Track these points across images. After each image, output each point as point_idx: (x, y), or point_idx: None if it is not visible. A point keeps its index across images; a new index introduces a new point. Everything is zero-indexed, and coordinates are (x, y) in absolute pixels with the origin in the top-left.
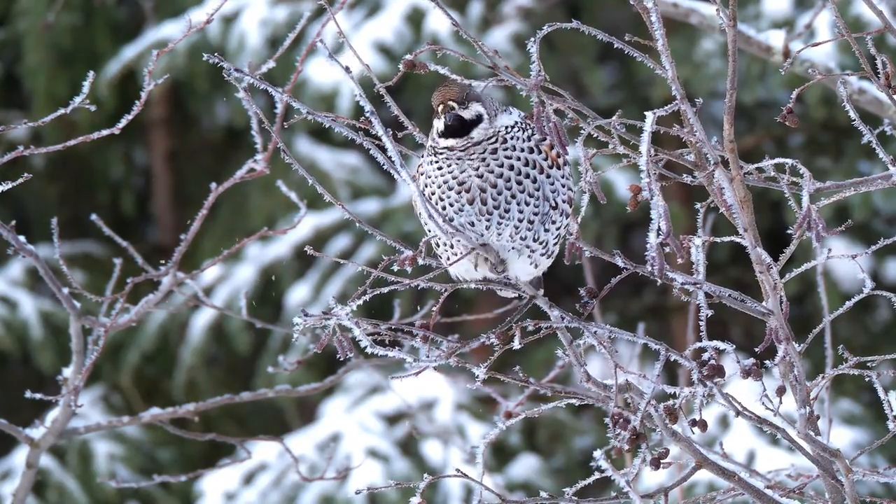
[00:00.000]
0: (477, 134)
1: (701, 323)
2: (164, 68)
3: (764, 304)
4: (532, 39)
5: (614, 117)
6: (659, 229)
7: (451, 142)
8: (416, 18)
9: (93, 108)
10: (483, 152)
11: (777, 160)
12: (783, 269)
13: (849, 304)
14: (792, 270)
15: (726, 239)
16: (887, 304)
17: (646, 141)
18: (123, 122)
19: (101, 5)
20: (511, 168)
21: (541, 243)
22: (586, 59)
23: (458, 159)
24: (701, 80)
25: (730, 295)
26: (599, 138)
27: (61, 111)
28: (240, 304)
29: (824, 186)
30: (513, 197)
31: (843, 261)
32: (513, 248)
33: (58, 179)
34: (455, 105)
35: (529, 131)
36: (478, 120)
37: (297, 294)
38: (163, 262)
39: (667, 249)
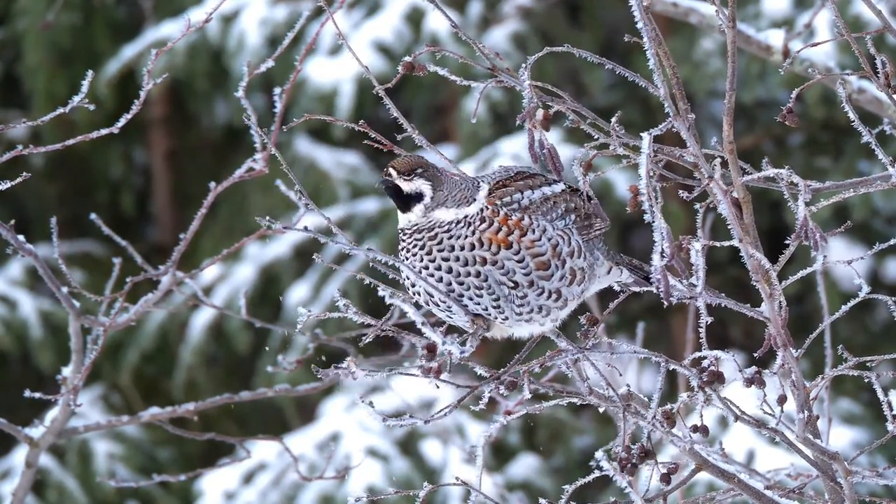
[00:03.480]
0: (416, 211)
1: (700, 329)
2: (164, 67)
3: (761, 309)
4: (523, 66)
5: (614, 119)
6: (662, 252)
7: (400, 217)
8: (415, 18)
9: (92, 107)
10: (422, 249)
11: (773, 171)
12: (782, 270)
13: (846, 307)
14: (791, 273)
15: (725, 243)
16: (886, 304)
17: (644, 163)
18: (123, 122)
19: (101, 5)
20: (450, 271)
21: (535, 310)
22: (585, 59)
23: (404, 250)
24: (700, 80)
25: (725, 305)
26: (600, 139)
27: (60, 110)
28: (239, 304)
29: (823, 187)
30: (460, 296)
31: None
32: (509, 327)
33: (57, 179)
34: (394, 174)
35: (483, 224)
36: (417, 197)
37: (297, 293)
38: (162, 261)
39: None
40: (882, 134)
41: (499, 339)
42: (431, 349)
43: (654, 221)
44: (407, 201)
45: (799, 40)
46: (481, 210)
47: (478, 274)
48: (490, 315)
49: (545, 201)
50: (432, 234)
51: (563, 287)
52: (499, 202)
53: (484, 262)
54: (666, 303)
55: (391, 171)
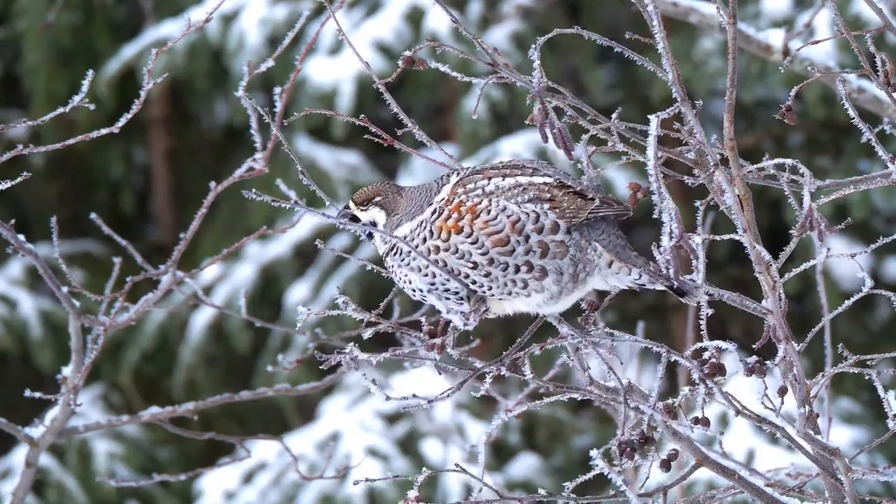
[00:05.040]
0: (377, 239)
1: (701, 322)
2: (164, 67)
3: (763, 303)
4: (533, 46)
5: (614, 116)
6: (671, 232)
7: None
8: (415, 17)
9: (92, 106)
10: (398, 267)
11: (777, 160)
12: (782, 267)
13: (847, 303)
14: (791, 269)
15: (726, 237)
16: (887, 303)
17: (652, 144)
18: (123, 121)
19: (101, 4)
20: (417, 269)
21: (509, 284)
22: (586, 58)
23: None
24: (700, 79)
25: (725, 303)
26: (599, 136)
27: (61, 110)
28: (239, 304)
29: (824, 185)
30: (431, 284)
31: (843, 259)
32: (500, 300)
33: (57, 178)
34: (352, 205)
35: (434, 215)
36: (374, 226)
37: (297, 293)
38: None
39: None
40: (882, 133)
41: (500, 315)
42: (432, 334)
43: (662, 202)
44: (368, 231)
45: (799, 39)
46: (437, 206)
47: (436, 262)
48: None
49: (515, 187)
50: (395, 252)
51: (534, 259)
52: (460, 190)
53: (438, 250)
54: (675, 283)
55: (350, 202)
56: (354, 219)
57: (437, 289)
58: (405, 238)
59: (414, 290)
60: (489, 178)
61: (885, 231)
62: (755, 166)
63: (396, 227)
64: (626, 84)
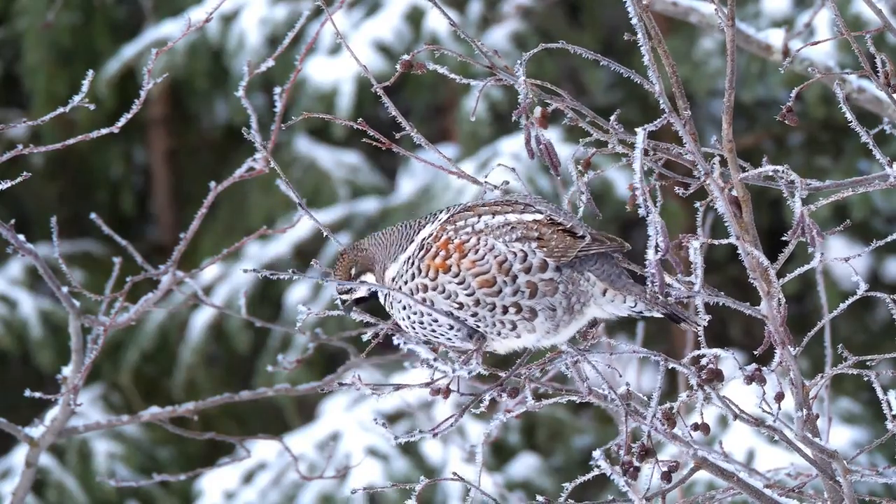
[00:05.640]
0: (380, 296)
1: (699, 329)
2: (164, 67)
3: (760, 308)
4: (519, 62)
5: (612, 118)
6: (657, 246)
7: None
8: (415, 17)
9: (92, 106)
10: (391, 308)
11: (769, 167)
12: (781, 268)
13: (843, 305)
14: (790, 270)
15: (724, 241)
16: (886, 303)
17: (638, 158)
18: (123, 121)
19: (101, 4)
20: (404, 308)
21: (496, 325)
22: (585, 58)
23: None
24: (700, 79)
25: (724, 305)
26: (598, 137)
27: (61, 110)
28: (239, 303)
29: (823, 186)
30: (420, 324)
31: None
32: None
33: (57, 178)
34: (344, 296)
35: (422, 251)
36: (371, 295)
37: (297, 293)
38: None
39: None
40: (881, 133)
41: (501, 352)
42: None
43: (647, 215)
44: (372, 292)
45: (799, 39)
46: (422, 241)
47: (423, 301)
48: (458, 340)
49: (504, 226)
50: (388, 295)
51: (523, 300)
52: (450, 227)
53: (425, 288)
54: (661, 297)
55: (339, 298)
56: (360, 300)
57: (426, 327)
58: (393, 279)
59: (413, 328)
60: (479, 216)
61: (885, 231)
62: (748, 174)
63: (385, 269)
64: (626, 84)
